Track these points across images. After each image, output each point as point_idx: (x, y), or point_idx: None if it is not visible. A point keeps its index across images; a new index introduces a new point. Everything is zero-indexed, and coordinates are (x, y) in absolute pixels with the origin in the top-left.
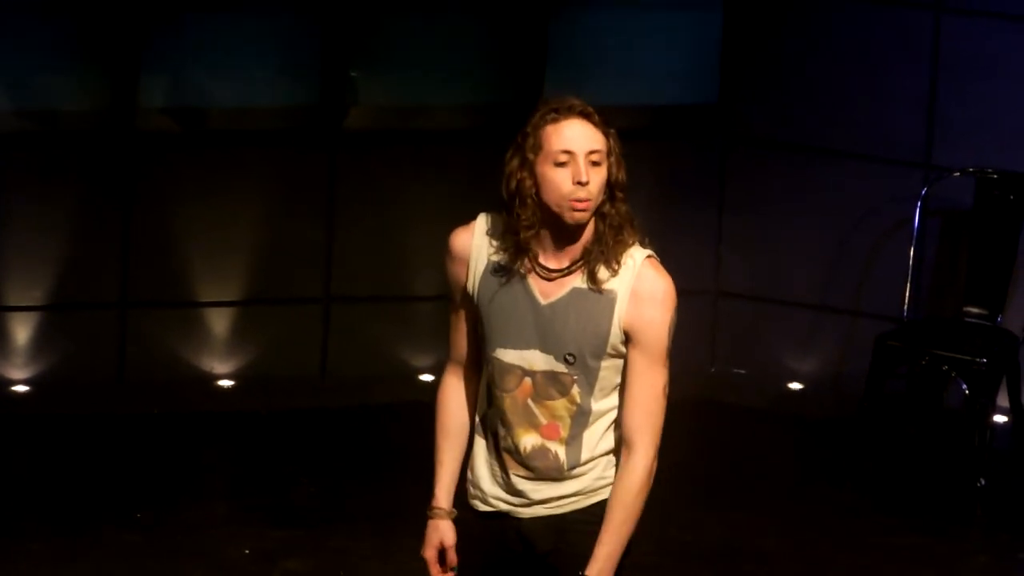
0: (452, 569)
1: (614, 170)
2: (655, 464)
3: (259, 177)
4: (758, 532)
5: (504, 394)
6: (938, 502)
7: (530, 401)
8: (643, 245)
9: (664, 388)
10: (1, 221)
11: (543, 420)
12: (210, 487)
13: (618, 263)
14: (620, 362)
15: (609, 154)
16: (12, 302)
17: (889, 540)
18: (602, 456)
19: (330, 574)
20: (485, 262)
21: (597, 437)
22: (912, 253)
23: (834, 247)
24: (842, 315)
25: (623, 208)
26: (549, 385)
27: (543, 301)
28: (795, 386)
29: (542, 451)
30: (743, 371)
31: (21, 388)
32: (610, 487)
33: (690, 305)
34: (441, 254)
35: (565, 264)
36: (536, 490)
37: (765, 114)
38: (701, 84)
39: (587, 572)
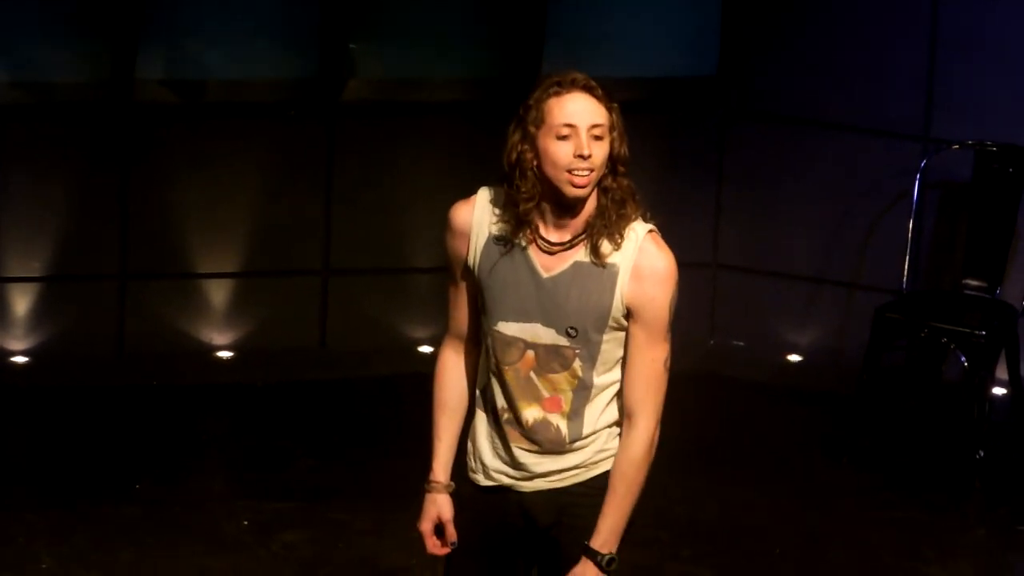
0: (451, 544)
1: (616, 145)
2: (657, 437)
3: (257, 149)
4: (756, 506)
5: (506, 367)
6: (937, 475)
7: (532, 374)
8: (645, 220)
9: (665, 362)
10: (0, 193)
11: (545, 393)
12: (209, 460)
13: (621, 237)
14: (622, 336)
15: (612, 129)
16: (11, 273)
17: (887, 513)
18: (604, 429)
19: (328, 547)
20: (486, 235)
21: (599, 410)
22: (911, 226)
23: (833, 220)
24: (841, 287)
25: (625, 182)
26: (551, 358)
27: (545, 274)
28: (794, 358)
29: (544, 424)
30: (742, 343)
31: (20, 359)
32: (612, 459)
33: (689, 278)
34: (441, 228)
35: (567, 238)
36: (538, 463)
37: (764, 87)
38: (700, 56)
39: (591, 544)
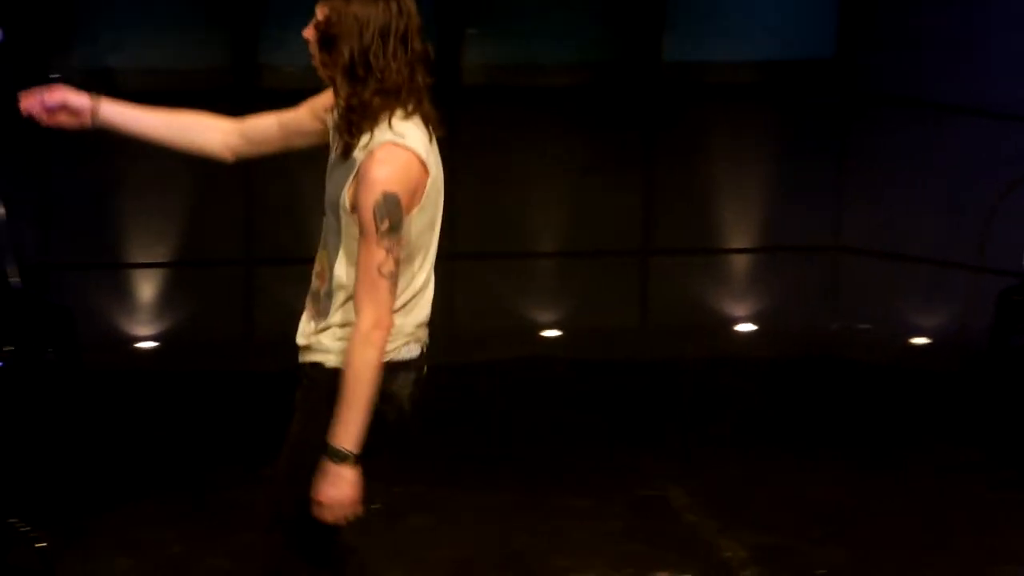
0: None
1: (339, 44)
2: (376, 336)
3: None
4: (883, 488)
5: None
6: None
7: (321, 248)
8: (391, 127)
9: (378, 267)
10: (130, 180)
11: (318, 267)
12: None
13: (357, 139)
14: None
15: (324, 24)
16: (139, 259)
17: (1016, 494)
18: (334, 325)
19: (455, 530)
20: (334, 120)
21: (338, 301)
22: None
23: (956, 202)
24: (965, 270)
25: (354, 96)
26: (326, 231)
27: (331, 157)
28: (918, 341)
29: (315, 296)
30: (866, 327)
31: (147, 344)
32: (327, 356)
33: (811, 261)
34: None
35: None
36: (306, 333)
37: (885, 69)
38: (819, 39)
39: (328, 440)
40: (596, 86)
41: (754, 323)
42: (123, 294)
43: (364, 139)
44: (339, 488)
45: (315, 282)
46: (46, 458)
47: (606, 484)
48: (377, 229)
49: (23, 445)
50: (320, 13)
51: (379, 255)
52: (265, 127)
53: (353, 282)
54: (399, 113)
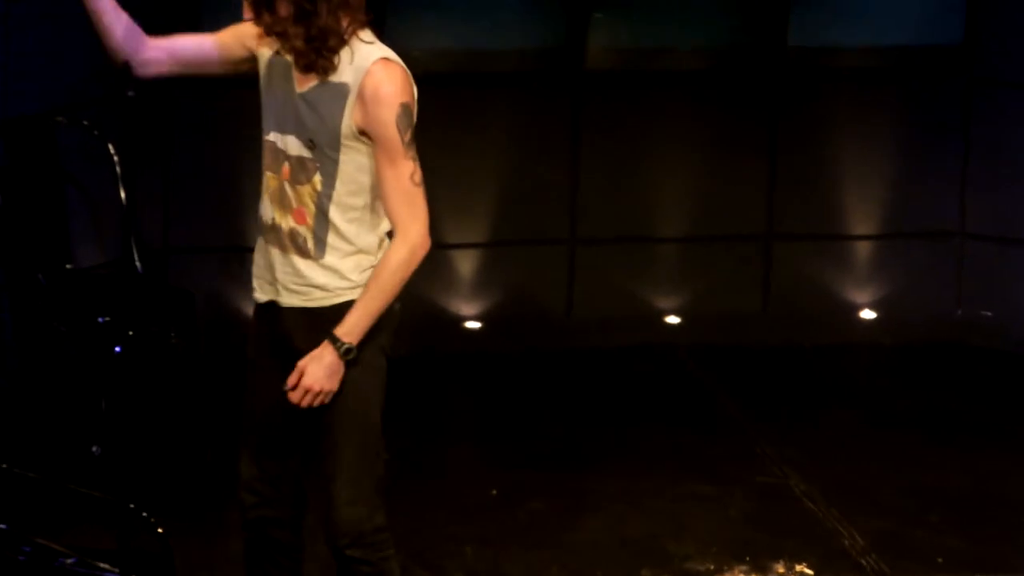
0: None
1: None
2: (421, 249)
3: (502, 119)
4: (1005, 475)
5: (270, 175)
6: None
7: (286, 185)
8: (365, 42)
9: (412, 176)
10: (251, 164)
11: (295, 204)
12: (456, 428)
13: (336, 61)
14: (364, 160)
15: None
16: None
17: None
18: (350, 256)
19: (575, 515)
20: (271, 51)
21: (341, 231)
22: None
23: None
24: None
25: (321, 23)
26: (299, 170)
27: (299, 90)
28: None
29: (293, 234)
30: (990, 314)
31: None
32: (358, 290)
33: (935, 248)
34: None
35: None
36: (289, 276)
37: (1011, 55)
38: (946, 24)
39: (335, 331)
40: (720, 70)
41: (877, 309)
42: (244, 278)
43: (343, 60)
44: (329, 379)
45: (285, 221)
46: (167, 443)
47: (727, 471)
48: (403, 140)
49: (145, 430)
50: None
51: (409, 166)
52: (196, 48)
53: (361, 207)
54: (358, 25)
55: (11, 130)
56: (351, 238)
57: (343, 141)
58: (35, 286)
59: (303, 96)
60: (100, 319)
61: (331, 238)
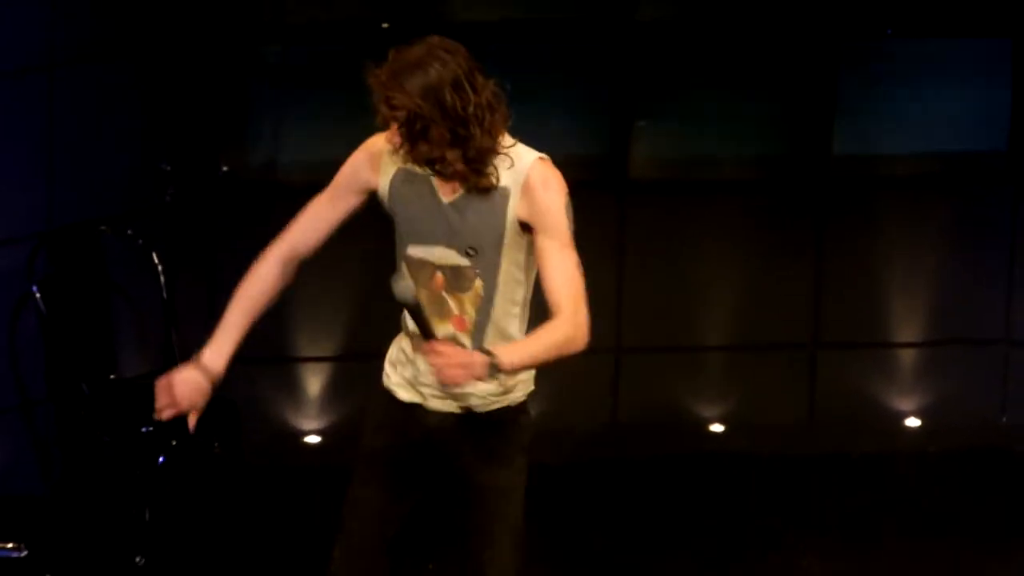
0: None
1: (431, 128)
2: (583, 340)
3: None
4: None
5: (421, 288)
6: None
7: (444, 293)
8: (515, 146)
9: (577, 266)
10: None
11: (454, 311)
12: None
13: (495, 170)
14: (521, 258)
15: (406, 124)
16: (305, 353)
17: None
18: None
19: None
20: (395, 168)
21: (502, 328)
22: None
23: None
24: None
25: (477, 144)
26: (457, 278)
27: (445, 200)
28: None
29: (452, 341)
30: None
31: (313, 439)
32: (513, 396)
33: (980, 354)
34: (353, 152)
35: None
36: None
37: None
38: (992, 130)
39: (495, 351)
40: (765, 179)
41: (922, 417)
42: (289, 388)
43: (500, 168)
44: (464, 369)
45: (446, 329)
46: (210, 554)
47: None
48: (570, 228)
49: (188, 541)
50: (392, 114)
51: (575, 255)
52: (312, 235)
53: (519, 304)
54: (503, 130)
55: (56, 240)
56: (512, 335)
57: (505, 240)
58: (79, 396)
59: (453, 205)
60: (144, 429)
61: (491, 339)
